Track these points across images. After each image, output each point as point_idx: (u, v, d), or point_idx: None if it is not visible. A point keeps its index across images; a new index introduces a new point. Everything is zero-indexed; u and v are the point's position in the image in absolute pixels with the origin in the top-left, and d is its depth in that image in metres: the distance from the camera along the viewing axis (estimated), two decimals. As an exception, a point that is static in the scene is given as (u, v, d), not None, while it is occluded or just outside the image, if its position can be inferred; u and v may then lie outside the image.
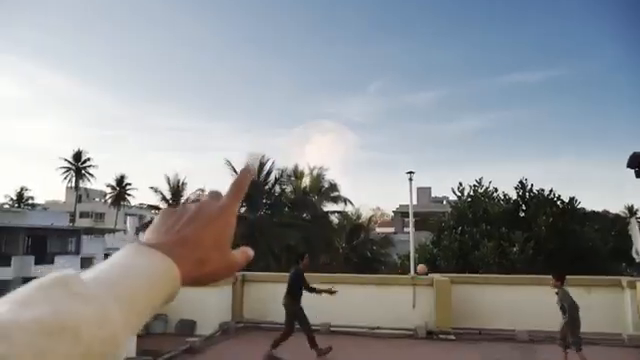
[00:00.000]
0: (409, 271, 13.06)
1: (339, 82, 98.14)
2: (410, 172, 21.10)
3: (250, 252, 0.66)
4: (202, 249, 0.59)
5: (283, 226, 27.88)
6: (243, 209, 29.92)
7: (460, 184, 19.35)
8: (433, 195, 49.84)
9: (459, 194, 19.27)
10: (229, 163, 30.20)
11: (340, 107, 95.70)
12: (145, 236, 0.63)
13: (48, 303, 0.43)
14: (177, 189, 46.02)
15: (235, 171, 29.60)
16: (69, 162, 62.89)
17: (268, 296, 11.22)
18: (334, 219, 34.53)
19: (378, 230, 47.76)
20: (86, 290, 0.46)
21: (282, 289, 8.34)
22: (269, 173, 30.58)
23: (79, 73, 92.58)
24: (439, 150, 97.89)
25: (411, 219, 16.75)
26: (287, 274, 8.66)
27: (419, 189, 47.03)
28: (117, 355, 0.45)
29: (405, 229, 49.06)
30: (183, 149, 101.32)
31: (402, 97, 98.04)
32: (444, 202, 47.13)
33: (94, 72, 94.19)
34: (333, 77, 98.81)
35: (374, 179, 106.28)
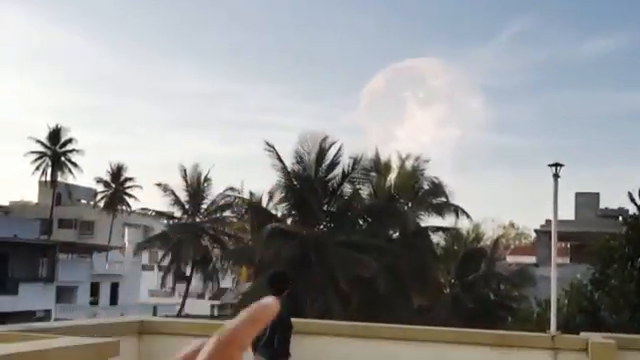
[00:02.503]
0: (549, 325, 12.31)
1: (453, 21, 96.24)
2: (556, 165, 19.79)
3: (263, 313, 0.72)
4: None
5: (354, 248, 27.86)
6: (291, 221, 30.07)
7: (645, 187, 18.33)
8: (603, 206, 47.78)
9: (641, 204, 18.23)
10: (271, 148, 29.85)
11: (454, 61, 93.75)
12: None
13: None
14: (197, 187, 46.60)
15: (280, 160, 29.41)
16: (42, 144, 64.27)
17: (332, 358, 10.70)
18: (438, 240, 34.56)
19: (511, 259, 47.88)
20: None
21: (355, 347, 8.57)
22: (333, 165, 30.43)
23: (57, 9, 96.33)
24: (611, 135, 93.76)
25: (554, 242, 15.85)
26: (361, 324, 9.07)
27: (579, 196, 45.89)
28: None
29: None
30: (207, 125, 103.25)
31: (554, 47, 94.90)
32: (620, 218, 44.90)
33: (82, 9, 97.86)
34: (442, 13, 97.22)
35: (506, 178, 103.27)
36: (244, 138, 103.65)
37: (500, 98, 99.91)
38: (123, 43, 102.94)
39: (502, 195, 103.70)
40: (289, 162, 30.01)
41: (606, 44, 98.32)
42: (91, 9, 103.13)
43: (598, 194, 46.58)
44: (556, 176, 19.33)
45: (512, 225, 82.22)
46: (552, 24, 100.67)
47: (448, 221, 34.17)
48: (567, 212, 50.24)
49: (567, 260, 51.79)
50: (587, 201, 45.98)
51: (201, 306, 51.76)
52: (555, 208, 17.61)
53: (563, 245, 58.89)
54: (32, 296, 38.60)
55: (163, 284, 50.13)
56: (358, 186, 31.33)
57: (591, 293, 19.34)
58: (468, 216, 34.38)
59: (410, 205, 33.62)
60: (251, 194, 34.04)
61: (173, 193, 45.25)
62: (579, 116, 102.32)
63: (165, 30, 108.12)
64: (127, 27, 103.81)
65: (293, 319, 8.44)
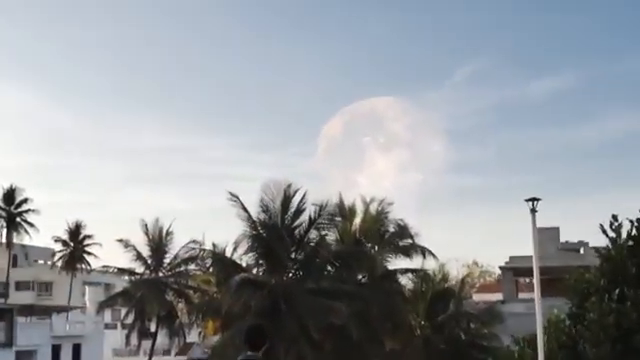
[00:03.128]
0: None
1: (408, 65, 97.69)
2: (533, 200, 19.79)
3: None
4: None
5: (324, 295, 27.76)
6: (260, 270, 29.87)
7: (614, 219, 18.34)
8: (563, 239, 48.63)
9: (613, 235, 18.22)
10: (235, 198, 29.42)
11: (411, 103, 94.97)
12: None
13: None
14: (159, 241, 45.97)
15: (245, 209, 29.23)
16: (-4, 205, 63.53)
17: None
18: (406, 281, 34.56)
19: (477, 297, 48.37)
20: None
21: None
22: (299, 212, 30.14)
23: (6, 66, 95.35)
24: (568, 169, 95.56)
25: (536, 275, 16.12)
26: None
27: (540, 231, 45.75)
28: None
29: (520, 295, 47.93)
30: (168, 178, 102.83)
31: (506, 87, 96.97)
32: (581, 251, 46.13)
33: (30, 66, 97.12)
34: (398, 57, 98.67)
35: (468, 218, 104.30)
36: (204, 191, 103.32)
37: (457, 139, 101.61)
38: (75, 100, 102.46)
39: (466, 234, 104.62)
40: (254, 211, 29.64)
41: (554, 82, 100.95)
42: (41, 66, 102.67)
43: (558, 228, 47.09)
44: (533, 211, 19.52)
45: (476, 263, 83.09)
46: (503, 64, 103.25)
47: (415, 262, 34.24)
48: (528, 247, 50.81)
49: (532, 295, 52.08)
50: (548, 235, 45.12)
51: (168, 364, 50.46)
52: (535, 241, 17.61)
53: (527, 280, 59.52)
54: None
55: (128, 342, 49.01)
56: (324, 232, 30.96)
57: (569, 328, 19.20)
58: (434, 257, 34.54)
59: (377, 248, 33.60)
60: (214, 245, 33.64)
61: (134, 249, 44.94)
62: (535, 153, 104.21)
63: (119, 84, 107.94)
64: (78, 83, 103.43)
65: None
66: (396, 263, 33.81)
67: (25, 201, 63.79)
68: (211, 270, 35.07)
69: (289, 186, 29.96)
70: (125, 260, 45.76)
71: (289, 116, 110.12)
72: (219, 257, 32.03)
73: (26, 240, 65.07)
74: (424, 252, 34.00)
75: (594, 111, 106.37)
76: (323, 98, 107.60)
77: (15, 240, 63.72)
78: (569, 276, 21.59)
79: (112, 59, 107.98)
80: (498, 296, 47.43)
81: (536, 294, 13.84)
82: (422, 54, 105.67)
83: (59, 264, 64.47)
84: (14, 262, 63.72)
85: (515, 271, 48.17)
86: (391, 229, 34.47)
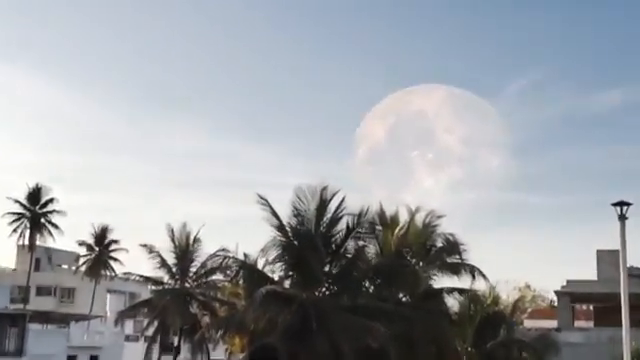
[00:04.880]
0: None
1: (459, 74, 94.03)
2: (621, 204, 18.92)
3: None
4: None
5: (360, 313, 25.91)
6: (288, 282, 28.19)
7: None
8: (631, 264, 46.45)
9: None
10: (264, 201, 27.23)
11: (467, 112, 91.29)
12: None
13: None
14: (186, 248, 44.12)
15: (275, 214, 27.38)
16: (21, 204, 62.88)
17: None
18: (452, 303, 32.91)
19: (529, 324, 47.51)
20: None
21: None
22: (336, 219, 27.89)
23: (42, 65, 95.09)
24: (629, 189, 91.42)
25: (624, 298, 14.70)
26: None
27: (601, 253, 45.19)
28: None
29: (576, 322, 45.63)
30: (198, 184, 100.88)
31: (566, 100, 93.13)
32: None
33: (67, 65, 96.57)
34: (447, 64, 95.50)
35: (523, 237, 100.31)
36: (237, 198, 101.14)
37: (513, 153, 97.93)
38: (110, 100, 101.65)
39: (519, 255, 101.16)
40: (285, 217, 27.54)
41: (616, 96, 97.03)
42: (77, 65, 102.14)
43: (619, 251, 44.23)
44: (622, 217, 17.17)
45: (528, 287, 80.00)
46: (562, 77, 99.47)
47: (464, 282, 32.28)
48: (588, 271, 48.11)
49: (591, 324, 50.04)
50: (610, 258, 43.49)
51: (189, 381, 48.32)
52: (624, 255, 15.61)
53: (585, 307, 56.62)
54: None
55: (148, 356, 47.37)
56: (363, 242, 28.78)
57: None
58: (485, 277, 32.32)
59: (422, 264, 31.80)
60: (245, 255, 32.04)
61: (159, 255, 42.99)
62: (597, 171, 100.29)
63: (155, 86, 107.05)
64: (114, 83, 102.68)
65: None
66: (442, 282, 31.97)
67: (51, 201, 63.46)
68: (239, 282, 33.17)
69: (325, 189, 27.63)
70: (149, 268, 44.01)
71: (327, 124, 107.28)
72: (248, 267, 30.18)
73: (49, 242, 64.49)
74: (474, 271, 31.85)
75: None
76: (365, 105, 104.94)
77: (38, 242, 63.02)
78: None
79: (149, 60, 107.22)
80: (552, 323, 46.69)
81: (624, 320, 11.72)
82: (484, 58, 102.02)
83: (82, 269, 63.64)
84: (36, 265, 63.05)
85: (572, 297, 46.57)
86: (439, 244, 32.64)
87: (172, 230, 43.80)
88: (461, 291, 32.05)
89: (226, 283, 40.48)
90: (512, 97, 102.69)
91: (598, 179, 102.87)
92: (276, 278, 28.53)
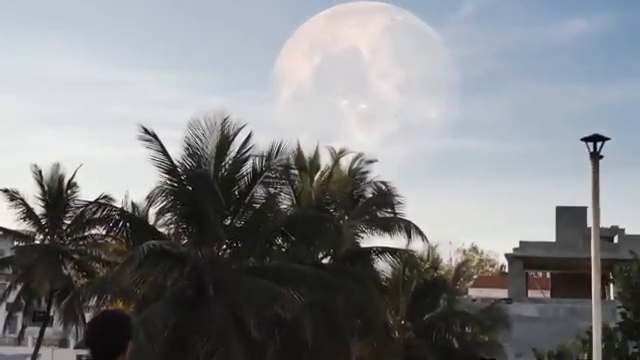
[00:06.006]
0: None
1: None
2: (594, 139, 17.50)
3: None
4: None
5: (269, 276, 24.81)
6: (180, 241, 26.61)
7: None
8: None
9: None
10: (150, 135, 25.09)
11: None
12: None
13: None
14: (58, 195, 40.66)
15: (164, 152, 25.46)
16: None
17: None
18: (383, 265, 31.02)
19: (474, 293, 44.28)
20: None
21: None
22: (241, 160, 26.21)
23: None
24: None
25: (594, 259, 16.31)
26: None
27: (561, 211, 44.49)
28: None
29: (531, 292, 46.82)
30: (76, 120, 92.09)
31: (520, 29, 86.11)
32: (615, 239, 45.06)
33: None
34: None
35: (469, 190, 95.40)
36: (125, 137, 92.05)
37: (460, 93, 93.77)
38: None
39: (466, 211, 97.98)
40: (179, 158, 25.92)
41: (582, 25, 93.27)
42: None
43: (585, 209, 40.78)
44: (596, 155, 13.83)
45: (474, 249, 77.80)
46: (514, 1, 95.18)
47: (397, 241, 30.99)
48: (546, 231, 46.18)
49: (547, 294, 49.55)
50: (572, 217, 43.52)
51: (65, 357, 44.20)
52: (596, 206, 12.95)
53: (541, 275, 56.12)
54: None
55: (9, 327, 43.54)
56: (274, 190, 27.28)
57: (623, 344, 18.67)
58: (423, 236, 31.14)
59: (347, 218, 30.43)
60: (134, 206, 30.25)
61: (24, 203, 39.06)
62: (553, 113, 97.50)
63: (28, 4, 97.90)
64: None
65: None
66: (371, 241, 30.48)
67: None
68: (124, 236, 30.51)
69: (226, 121, 25.84)
70: (11, 219, 40.08)
71: (233, 52, 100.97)
72: (132, 218, 28.25)
73: None
74: (409, 229, 30.58)
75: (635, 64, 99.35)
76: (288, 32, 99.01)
77: None
78: (622, 270, 21.11)
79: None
80: (502, 293, 46.40)
81: (594, 290, 12.83)
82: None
83: None
84: None
85: (526, 261, 45.86)
86: (368, 194, 31.55)
87: (40, 172, 40.13)
88: (394, 252, 30.52)
89: (109, 239, 37.51)
90: (459, 24, 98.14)
91: (560, 122, 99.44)
92: (169, 233, 27.15)
